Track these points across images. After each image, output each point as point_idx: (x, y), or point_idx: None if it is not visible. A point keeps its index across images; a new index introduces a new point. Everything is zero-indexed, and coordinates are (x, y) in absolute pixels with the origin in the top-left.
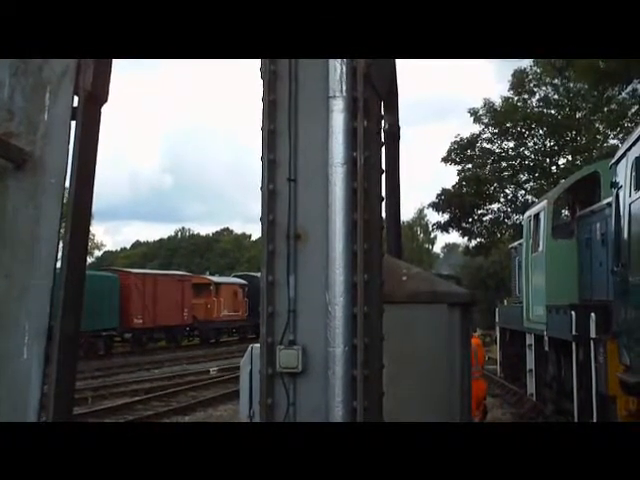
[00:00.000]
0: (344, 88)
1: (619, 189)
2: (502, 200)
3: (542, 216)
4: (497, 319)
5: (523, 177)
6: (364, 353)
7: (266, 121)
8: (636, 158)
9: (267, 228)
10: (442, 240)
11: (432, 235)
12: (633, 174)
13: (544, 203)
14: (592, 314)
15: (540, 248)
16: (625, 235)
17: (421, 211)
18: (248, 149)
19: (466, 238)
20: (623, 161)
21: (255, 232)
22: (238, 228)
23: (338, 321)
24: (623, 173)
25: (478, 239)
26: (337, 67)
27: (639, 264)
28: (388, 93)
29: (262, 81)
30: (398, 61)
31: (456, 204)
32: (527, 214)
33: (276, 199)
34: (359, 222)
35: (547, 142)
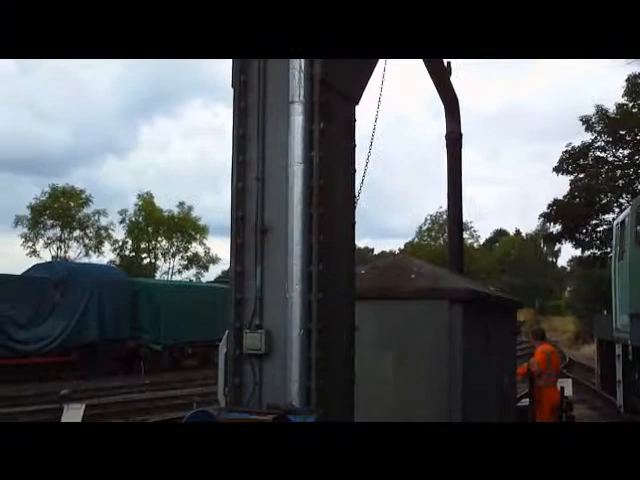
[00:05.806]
0: (302, 93)
1: None
2: (616, 210)
3: (627, 223)
4: (594, 329)
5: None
6: (318, 336)
7: (237, 126)
8: None
9: (236, 223)
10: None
11: (556, 248)
12: None
13: (629, 209)
14: None
15: (625, 255)
16: None
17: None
18: None
19: (579, 250)
20: None
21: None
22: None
23: (295, 307)
24: None
25: (591, 251)
26: (295, 74)
27: None
28: (449, 101)
29: (233, 90)
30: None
31: (568, 215)
32: (615, 222)
33: (245, 196)
34: (315, 216)
35: None
